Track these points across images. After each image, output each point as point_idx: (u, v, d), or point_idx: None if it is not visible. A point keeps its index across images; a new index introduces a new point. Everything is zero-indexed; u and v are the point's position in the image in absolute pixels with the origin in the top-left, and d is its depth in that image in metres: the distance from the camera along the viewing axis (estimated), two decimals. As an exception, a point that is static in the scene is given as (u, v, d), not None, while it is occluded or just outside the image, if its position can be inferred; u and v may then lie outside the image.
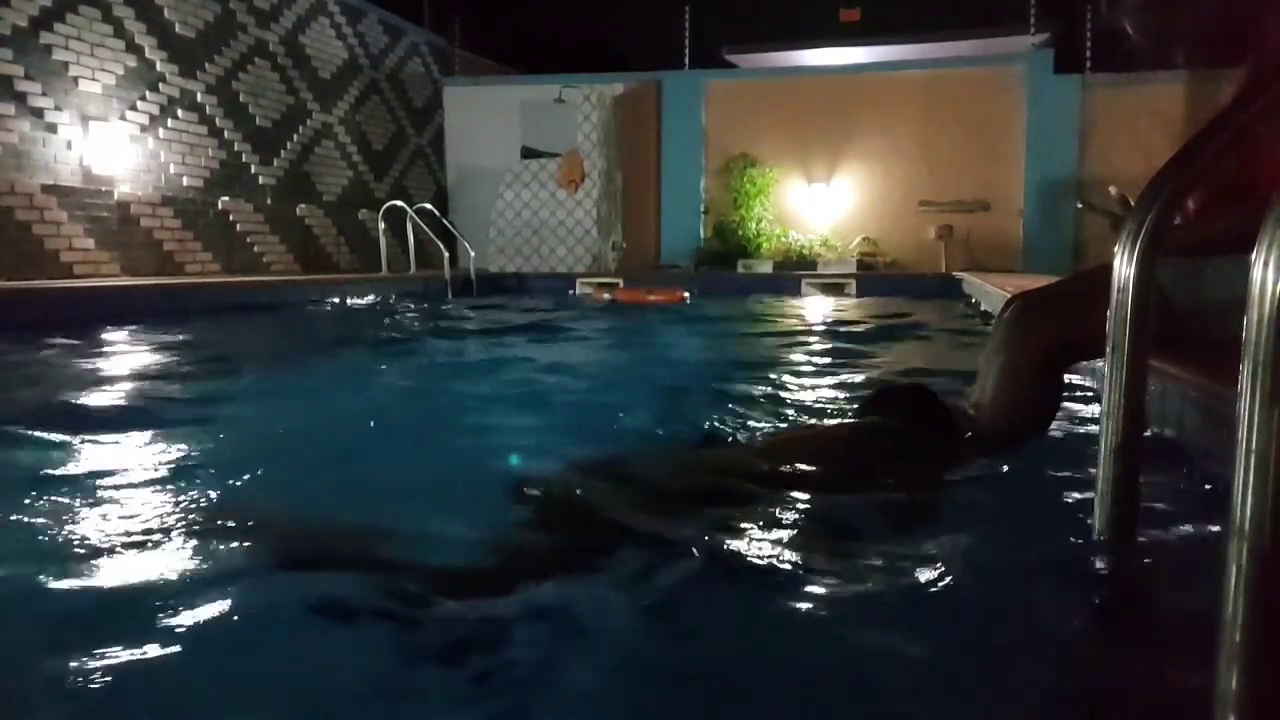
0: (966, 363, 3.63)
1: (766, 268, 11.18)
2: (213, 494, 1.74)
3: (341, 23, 10.72)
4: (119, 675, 1.04)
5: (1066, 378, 1.86)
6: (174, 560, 1.37)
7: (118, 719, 0.98)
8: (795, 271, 10.59)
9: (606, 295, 8.11)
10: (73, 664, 1.04)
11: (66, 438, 2.27)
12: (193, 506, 1.66)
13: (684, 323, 6.59)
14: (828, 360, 4.14)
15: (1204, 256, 1.69)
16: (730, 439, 2.16)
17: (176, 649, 1.09)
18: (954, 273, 9.45)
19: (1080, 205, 2.42)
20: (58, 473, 1.91)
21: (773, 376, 3.37)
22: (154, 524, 1.55)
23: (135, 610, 1.20)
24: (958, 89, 11.21)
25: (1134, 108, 10.16)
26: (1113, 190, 1.84)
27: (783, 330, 5.92)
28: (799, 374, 3.54)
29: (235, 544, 1.46)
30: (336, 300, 7.68)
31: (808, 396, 2.95)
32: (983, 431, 1.82)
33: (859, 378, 3.48)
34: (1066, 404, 1.99)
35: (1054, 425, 1.89)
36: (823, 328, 6.13)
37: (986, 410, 1.81)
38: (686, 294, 8.06)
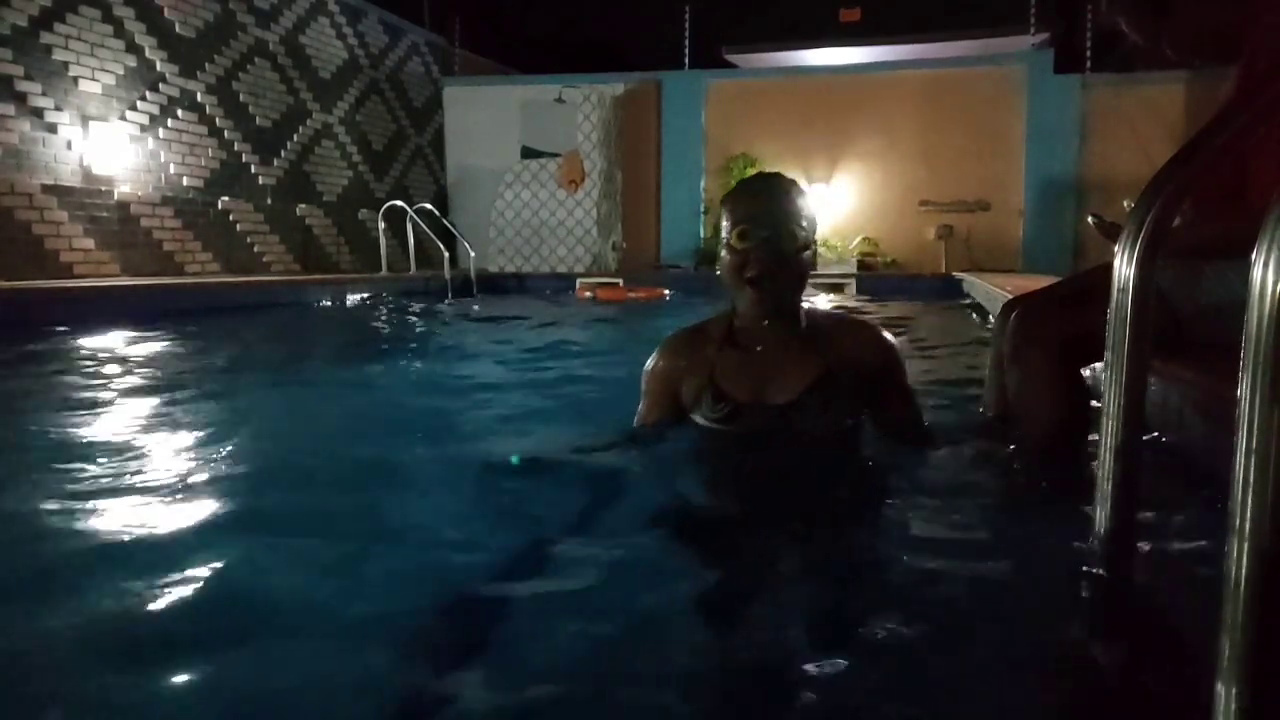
0: (967, 363, 3.63)
1: (767, 268, 11.15)
2: (205, 495, 1.74)
3: (341, 23, 10.72)
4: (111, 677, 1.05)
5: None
6: (167, 562, 1.37)
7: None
8: (795, 271, 10.55)
9: (588, 294, 8.22)
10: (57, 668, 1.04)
11: (62, 438, 2.28)
12: (187, 508, 1.66)
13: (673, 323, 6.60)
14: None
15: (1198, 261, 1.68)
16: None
17: (158, 654, 1.09)
18: (954, 273, 9.44)
19: (1092, 220, 2.40)
20: (52, 472, 1.91)
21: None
22: (150, 525, 1.55)
23: (129, 608, 1.20)
24: (958, 89, 11.21)
25: (1134, 108, 10.16)
26: (1127, 204, 1.80)
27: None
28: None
29: (222, 546, 1.46)
30: (336, 300, 7.67)
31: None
32: (1033, 444, 1.78)
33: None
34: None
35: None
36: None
37: (1027, 423, 1.78)
38: (667, 292, 8.28)
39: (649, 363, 1.89)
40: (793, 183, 1.79)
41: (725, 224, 1.75)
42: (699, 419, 1.77)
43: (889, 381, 1.82)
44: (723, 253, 1.75)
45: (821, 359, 1.74)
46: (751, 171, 11.87)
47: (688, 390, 1.79)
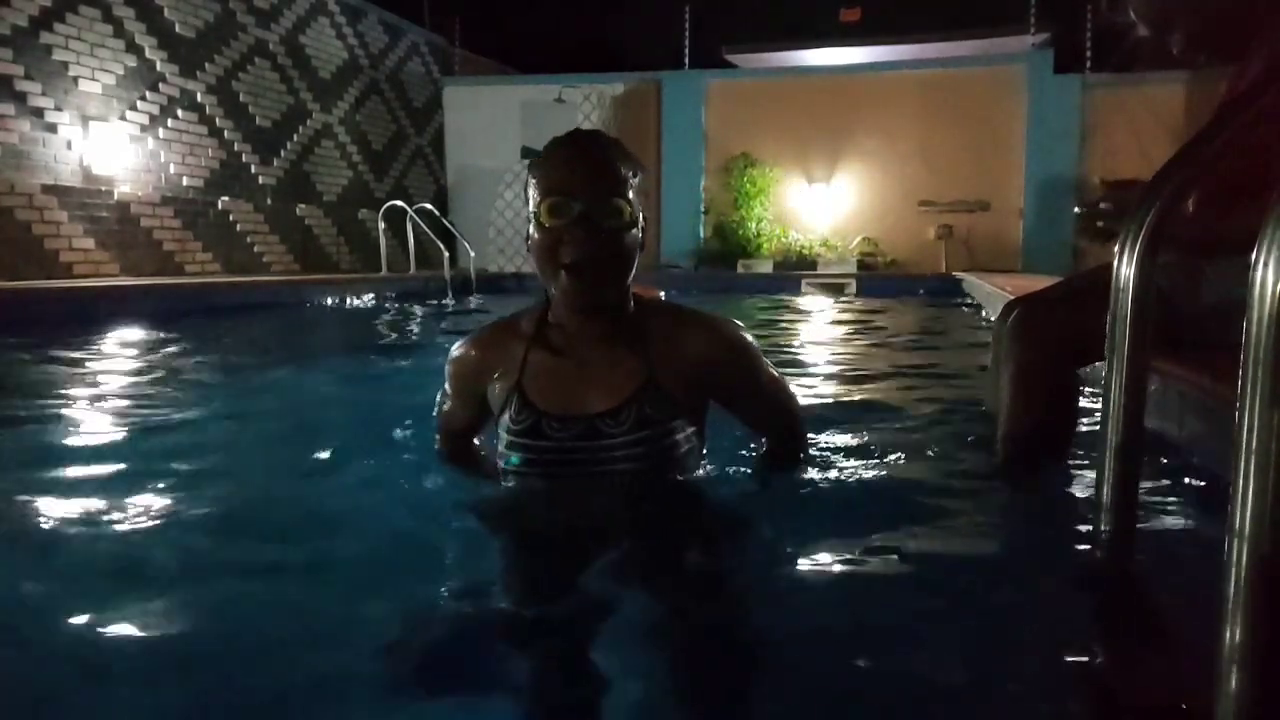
0: (966, 364, 3.63)
1: (766, 268, 11.19)
2: (202, 496, 1.74)
3: (341, 23, 10.72)
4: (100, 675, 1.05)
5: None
6: (160, 566, 1.37)
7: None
8: (795, 271, 10.59)
9: None
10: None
11: (60, 438, 2.28)
12: (182, 509, 1.66)
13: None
14: (822, 362, 4.14)
15: (1205, 258, 1.68)
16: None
17: (147, 659, 1.09)
18: (954, 273, 9.45)
19: (1078, 211, 2.44)
20: (49, 472, 1.91)
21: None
22: (147, 524, 1.55)
23: (126, 608, 1.20)
24: (958, 89, 11.21)
25: (1134, 108, 10.16)
26: (1095, 180, 1.89)
27: (778, 330, 5.92)
28: (794, 376, 3.53)
29: (217, 548, 1.46)
30: (336, 300, 7.67)
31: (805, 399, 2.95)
32: (1007, 442, 1.79)
33: (856, 378, 3.48)
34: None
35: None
36: (817, 328, 6.14)
37: (1006, 419, 1.78)
38: (661, 293, 8.26)
39: (452, 352, 1.61)
40: (615, 142, 1.45)
41: (533, 194, 1.41)
42: (503, 431, 1.50)
43: (738, 382, 1.54)
44: (531, 230, 1.43)
45: (647, 360, 1.46)
46: (753, 171, 11.95)
47: (495, 394, 1.52)
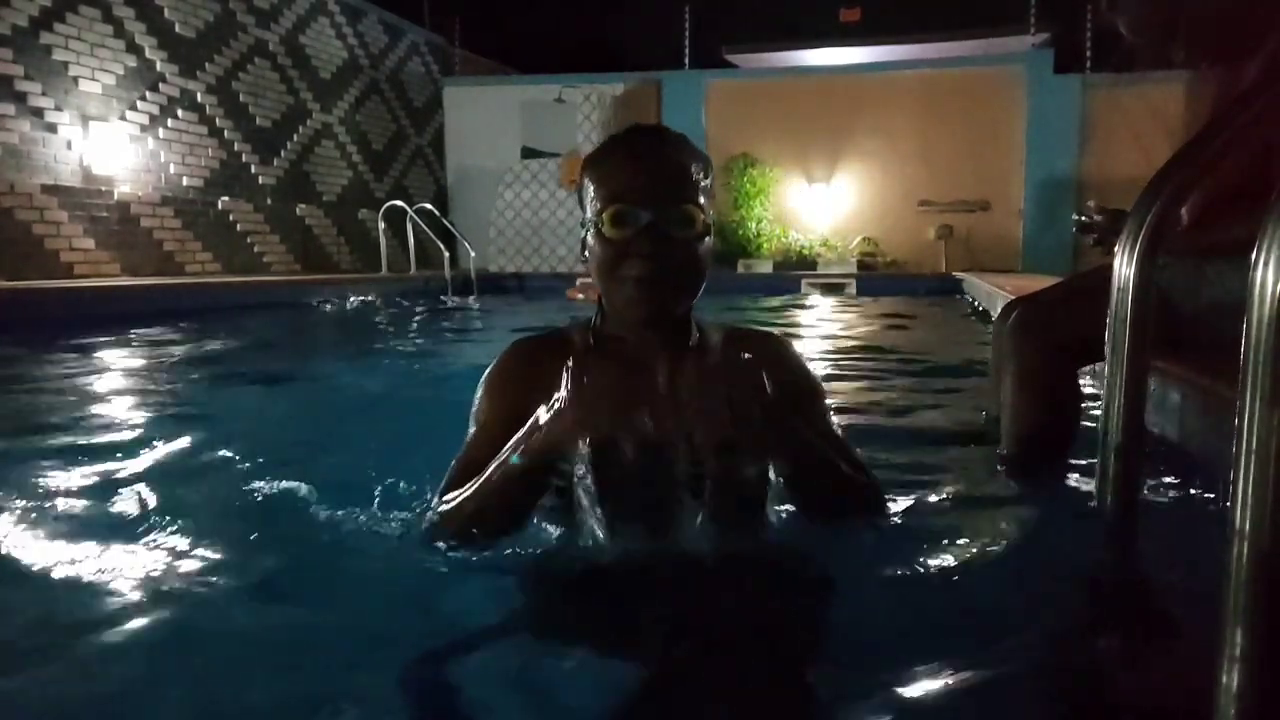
0: (967, 364, 3.63)
1: (766, 268, 11.19)
2: (200, 497, 1.74)
3: (341, 23, 10.72)
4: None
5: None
6: (157, 569, 1.36)
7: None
8: (795, 271, 10.60)
9: (580, 295, 8.22)
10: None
11: (59, 438, 2.28)
12: (179, 515, 1.65)
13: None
14: (820, 363, 4.14)
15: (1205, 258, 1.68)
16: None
17: (142, 665, 1.09)
18: (954, 273, 9.45)
19: (1076, 217, 2.45)
20: (48, 472, 1.91)
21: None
22: (145, 524, 1.55)
23: (124, 605, 1.20)
24: (958, 89, 11.21)
25: (1134, 108, 10.12)
26: (1090, 204, 1.92)
27: (778, 331, 5.92)
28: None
29: (217, 552, 1.45)
30: (336, 300, 7.67)
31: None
32: (1010, 443, 1.79)
33: (855, 379, 3.48)
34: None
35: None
36: (816, 328, 6.14)
37: (1009, 421, 1.79)
38: None
39: (485, 383, 1.36)
40: (682, 139, 1.29)
41: (592, 199, 1.26)
42: (578, 466, 1.19)
43: (805, 408, 1.33)
44: (589, 238, 1.27)
45: (723, 381, 1.22)
46: (753, 171, 11.95)
47: None
